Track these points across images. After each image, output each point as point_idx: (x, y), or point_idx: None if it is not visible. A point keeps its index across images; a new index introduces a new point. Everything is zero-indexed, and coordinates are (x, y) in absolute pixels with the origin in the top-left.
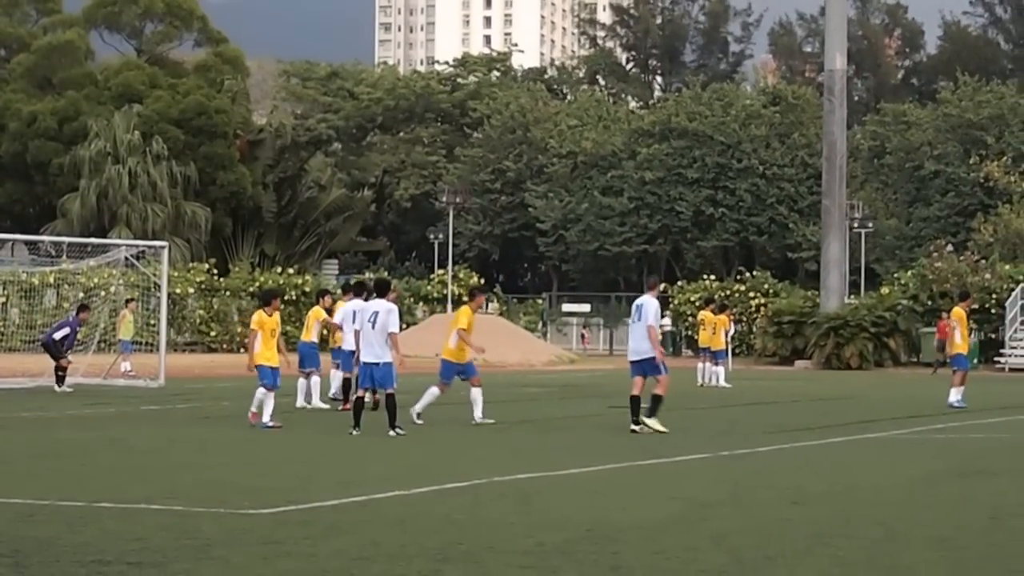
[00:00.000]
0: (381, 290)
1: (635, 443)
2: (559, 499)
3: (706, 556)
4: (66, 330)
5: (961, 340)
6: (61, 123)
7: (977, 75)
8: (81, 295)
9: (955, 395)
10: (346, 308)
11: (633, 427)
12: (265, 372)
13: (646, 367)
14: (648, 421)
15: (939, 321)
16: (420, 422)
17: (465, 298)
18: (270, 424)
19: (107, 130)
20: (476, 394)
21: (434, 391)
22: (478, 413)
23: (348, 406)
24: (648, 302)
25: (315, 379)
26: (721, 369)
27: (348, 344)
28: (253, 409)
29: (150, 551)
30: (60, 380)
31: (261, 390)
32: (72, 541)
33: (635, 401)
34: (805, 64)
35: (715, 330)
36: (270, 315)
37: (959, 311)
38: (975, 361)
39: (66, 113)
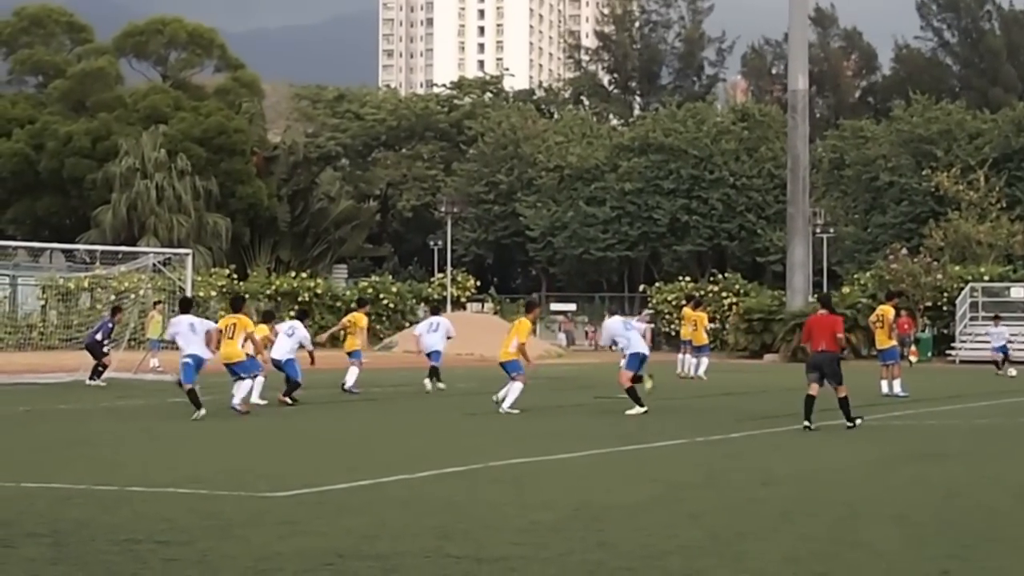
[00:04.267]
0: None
1: (619, 431)
2: (549, 482)
3: (684, 533)
4: (105, 330)
5: (888, 336)
6: (94, 142)
7: (928, 94)
8: (113, 298)
9: (897, 386)
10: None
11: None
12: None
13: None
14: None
15: (898, 319)
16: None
17: (523, 311)
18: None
19: (136, 148)
20: (516, 387)
21: (519, 384)
22: (508, 402)
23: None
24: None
25: (259, 379)
26: (705, 361)
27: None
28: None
29: (177, 531)
30: (96, 374)
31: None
32: (106, 522)
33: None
34: (773, 84)
35: (696, 326)
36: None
37: (886, 308)
38: (928, 354)
39: (99, 133)
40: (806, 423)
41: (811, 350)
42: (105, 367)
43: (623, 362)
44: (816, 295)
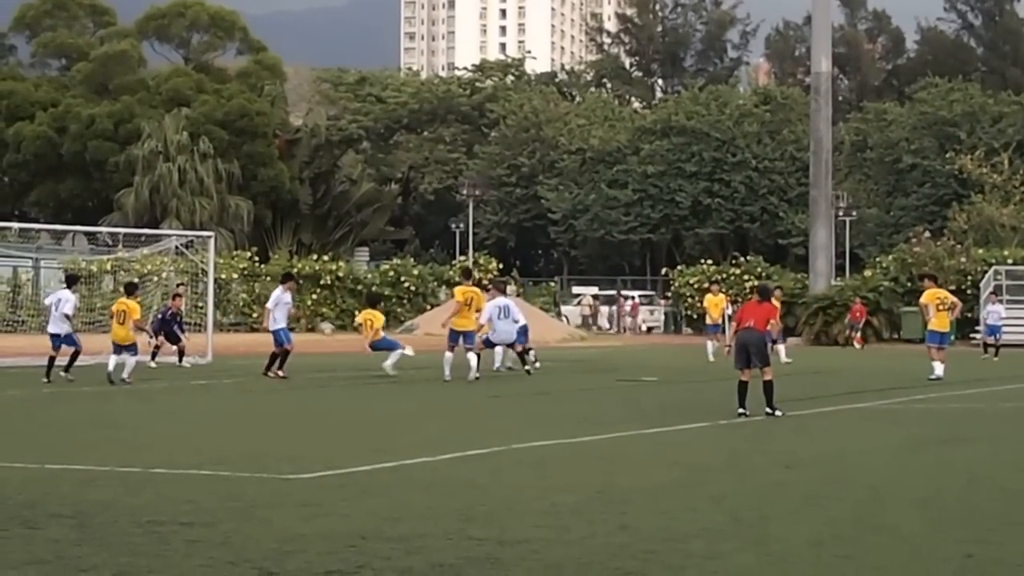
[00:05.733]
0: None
1: (641, 414)
2: (572, 465)
3: (706, 516)
4: (162, 320)
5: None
6: (117, 125)
7: (950, 76)
8: (136, 280)
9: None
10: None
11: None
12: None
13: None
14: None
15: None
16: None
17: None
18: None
19: (158, 131)
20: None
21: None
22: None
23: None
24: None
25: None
26: (782, 348)
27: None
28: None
29: (200, 512)
30: (180, 355)
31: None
32: (130, 503)
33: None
34: (796, 67)
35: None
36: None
37: (940, 292)
38: (952, 338)
39: (121, 116)
40: (741, 411)
41: (737, 329)
42: (183, 352)
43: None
44: (756, 288)
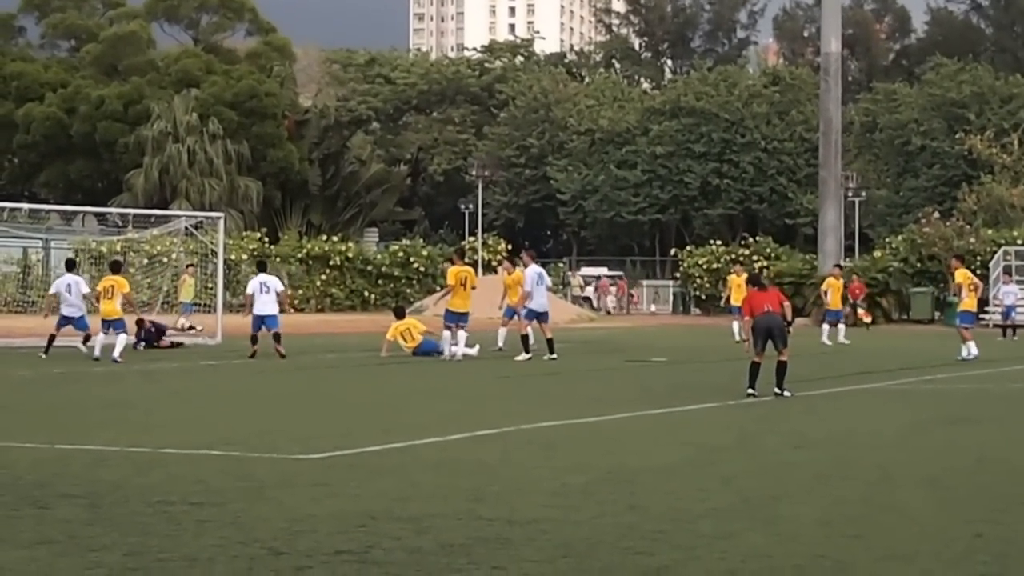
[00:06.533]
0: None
1: (650, 394)
2: (581, 445)
3: (715, 496)
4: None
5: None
6: (126, 106)
7: (960, 57)
8: (146, 261)
9: (966, 350)
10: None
11: None
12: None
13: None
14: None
15: (849, 284)
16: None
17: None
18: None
19: (168, 112)
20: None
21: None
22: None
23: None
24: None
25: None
26: (827, 328)
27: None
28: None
29: (210, 492)
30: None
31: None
32: (140, 483)
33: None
34: (805, 47)
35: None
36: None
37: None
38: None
39: (131, 97)
40: (751, 391)
41: (755, 314)
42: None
43: (523, 312)
44: (750, 279)
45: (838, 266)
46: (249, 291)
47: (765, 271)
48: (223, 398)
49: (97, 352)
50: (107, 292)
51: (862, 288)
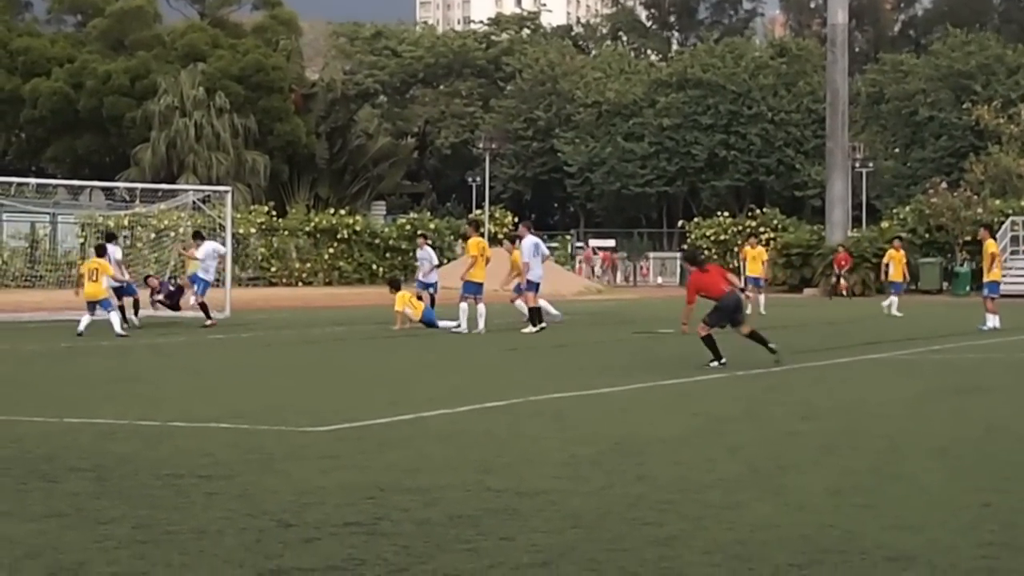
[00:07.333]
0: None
1: (658, 365)
2: (589, 416)
3: (723, 466)
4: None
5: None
6: (133, 81)
7: (967, 27)
8: (153, 236)
9: (993, 320)
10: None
11: None
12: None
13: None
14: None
15: (836, 254)
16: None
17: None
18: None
19: (174, 86)
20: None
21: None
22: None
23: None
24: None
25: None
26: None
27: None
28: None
29: (219, 465)
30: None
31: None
32: (149, 457)
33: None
34: (811, 18)
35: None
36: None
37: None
38: (967, 288)
39: (137, 72)
40: (721, 361)
41: (715, 295)
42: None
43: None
44: (685, 255)
45: (899, 238)
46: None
47: (772, 242)
48: (231, 372)
49: (82, 328)
50: (91, 274)
51: (847, 259)
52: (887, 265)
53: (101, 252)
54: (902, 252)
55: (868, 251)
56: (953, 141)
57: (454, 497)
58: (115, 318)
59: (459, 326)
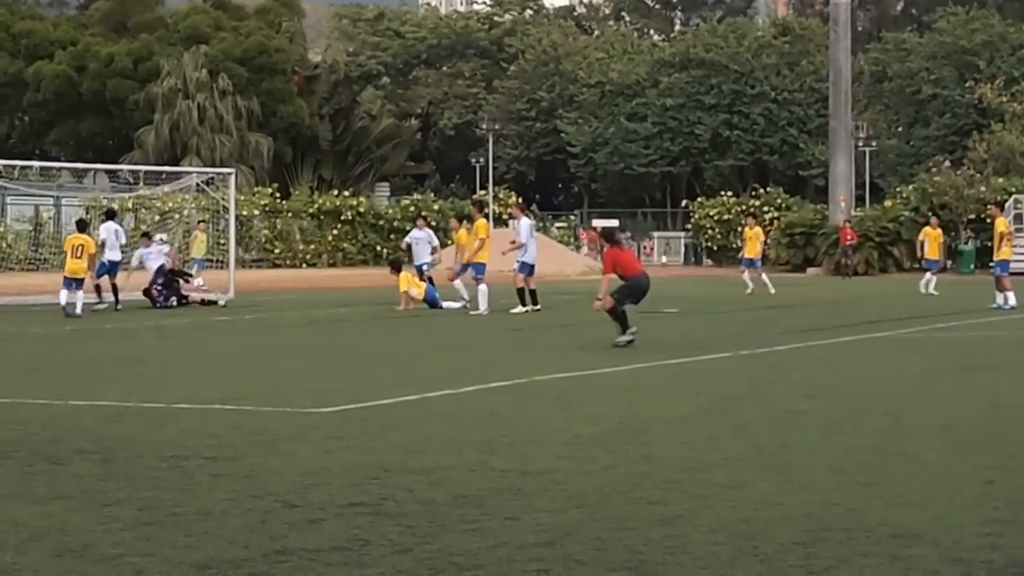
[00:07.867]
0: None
1: (663, 344)
2: (593, 396)
3: (728, 445)
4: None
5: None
6: (136, 63)
7: (969, 5)
8: (157, 218)
9: (1011, 299)
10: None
11: None
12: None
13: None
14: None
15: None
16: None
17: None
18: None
19: (177, 69)
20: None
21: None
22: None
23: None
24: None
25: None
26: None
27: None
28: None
29: (224, 447)
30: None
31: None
32: (154, 438)
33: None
34: None
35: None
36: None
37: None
38: (971, 267)
39: (140, 54)
40: (632, 332)
41: (628, 275)
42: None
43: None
44: (603, 233)
45: (936, 216)
46: (103, 236)
47: (776, 221)
48: (236, 353)
49: (79, 310)
50: (75, 251)
51: (853, 235)
52: (922, 243)
53: (83, 227)
54: (939, 230)
55: (871, 230)
56: (956, 119)
57: (458, 477)
58: (80, 298)
59: (477, 308)
